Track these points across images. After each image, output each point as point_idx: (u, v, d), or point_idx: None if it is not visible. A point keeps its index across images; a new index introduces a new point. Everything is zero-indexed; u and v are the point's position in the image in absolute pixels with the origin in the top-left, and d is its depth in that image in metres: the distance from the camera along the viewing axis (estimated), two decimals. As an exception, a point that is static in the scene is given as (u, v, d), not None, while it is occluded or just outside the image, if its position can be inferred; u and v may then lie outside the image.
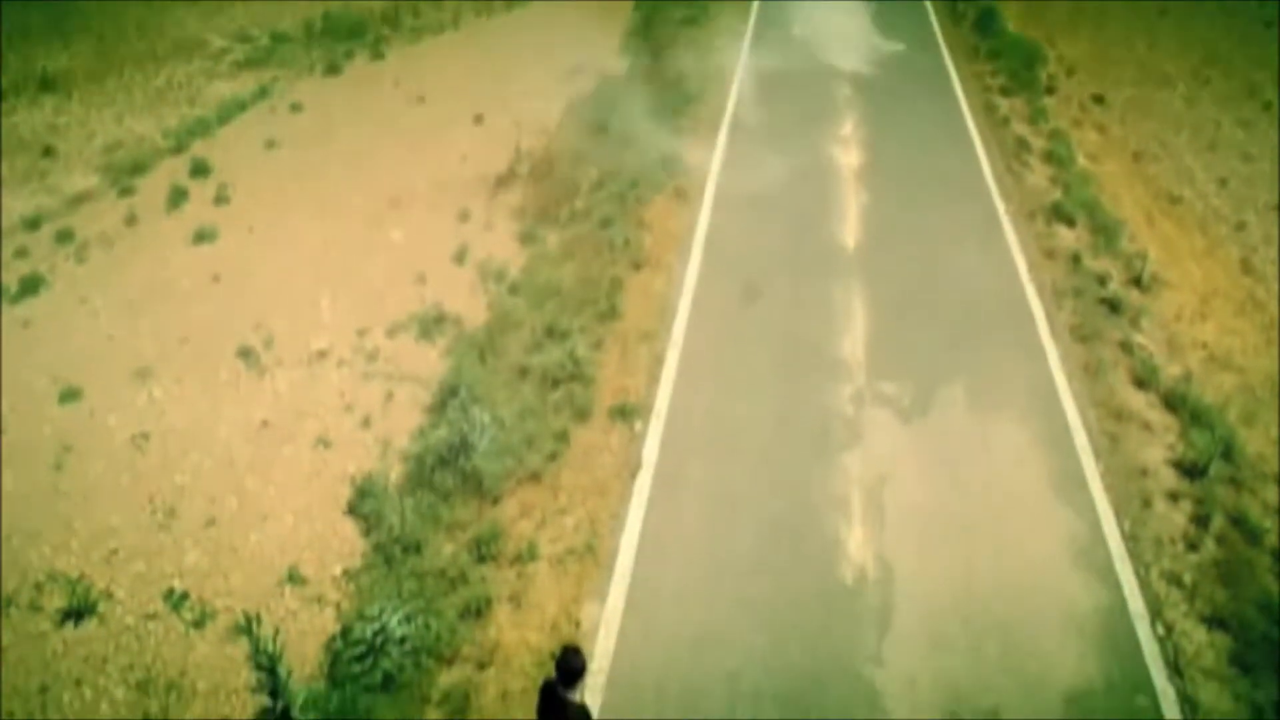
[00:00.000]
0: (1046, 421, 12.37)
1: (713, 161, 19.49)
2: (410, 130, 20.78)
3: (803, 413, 12.40)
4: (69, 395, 12.40)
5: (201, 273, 15.25)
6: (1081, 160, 20.43)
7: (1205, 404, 12.62)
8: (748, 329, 14.13)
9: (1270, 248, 17.18)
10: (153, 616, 9.57)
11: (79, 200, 17.72)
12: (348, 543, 10.43)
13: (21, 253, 15.59)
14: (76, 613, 9.52)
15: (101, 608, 9.61)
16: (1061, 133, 21.70)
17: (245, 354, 13.23)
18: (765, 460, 11.63)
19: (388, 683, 8.77)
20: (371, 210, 17.27)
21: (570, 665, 6.57)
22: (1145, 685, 9.09)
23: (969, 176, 19.32)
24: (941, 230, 16.93)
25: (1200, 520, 10.97)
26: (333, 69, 24.99)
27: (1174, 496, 11.34)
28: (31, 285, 14.67)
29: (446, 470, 10.98)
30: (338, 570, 10.11)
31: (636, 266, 15.48)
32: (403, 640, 8.95)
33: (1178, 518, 11.08)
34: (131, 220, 16.87)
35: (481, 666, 9.01)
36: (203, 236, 16.25)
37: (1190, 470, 11.63)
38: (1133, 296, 15.17)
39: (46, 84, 22.47)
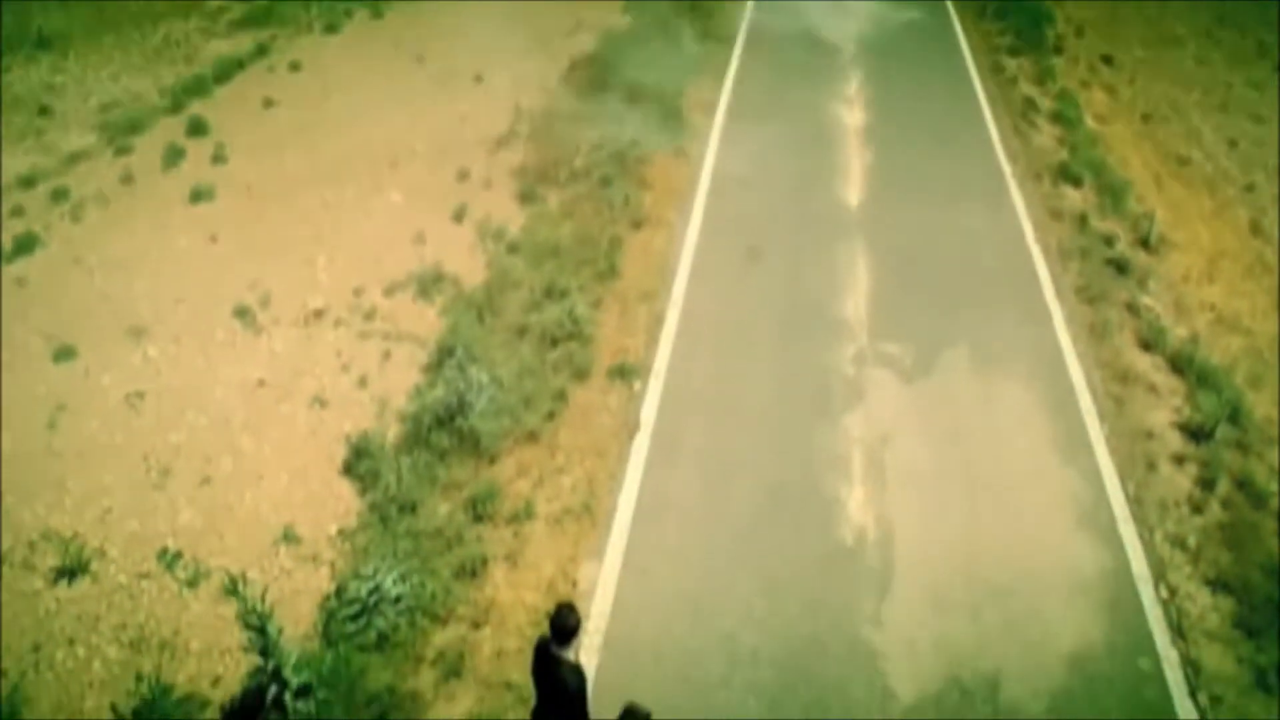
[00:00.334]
0: (1051, 383, 12.23)
1: (715, 120, 19.25)
2: (409, 89, 20.49)
3: (804, 372, 12.27)
4: (63, 354, 12.28)
5: (198, 232, 15.07)
6: (1089, 121, 20.17)
7: (1212, 366, 12.48)
8: (749, 288, 13.98)
9: (1281, 209, 16.97)
10: (146, 576, 9.49)
11: (75, 159, 17.49)
12: (343, 502, 10.33)
13: (17, 211, 15.40)
14: (70, 571, 9.44)
15: (95, 566, 9.53)
16: (1069, 93, 21.39)
17: (241, 313, 13.09)
18: (765, 420, 11.51)
19: (382, 642, 8.70)
20: (370, 170, 17.06)
21: (564, 623, 6.47)
22: (1148, 648, 9.00)
23: (975, 136, 19.07)
24: (947, 190, 16.72)
25: (1205, 483, 10.84)
26: (332, 28, 24.62)
27: (1179, 459, 11.22)
28: (26, 244, 14.50)
29: (443, 430, 10.86)
30: (333, 530, 10.02)
31: (637, 225, 15.31)
32: (397, 600, 8.88)
33: (1183, 481, 10.96)
34: (127, 179, 16.67)
35: (476, 626, 8.93)
36: (199, 196, 16.05)
37: (1196, 433, 11.49)
38: (1140, 258, 14.99)
39: (43, 42, 22.15)
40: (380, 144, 17.96)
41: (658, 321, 13.15)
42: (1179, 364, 12.61)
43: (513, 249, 14.58)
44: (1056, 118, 20.12)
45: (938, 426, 11.47)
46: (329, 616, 8.94)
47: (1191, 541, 10.16)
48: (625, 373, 12.12)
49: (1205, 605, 9.51)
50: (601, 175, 16.54)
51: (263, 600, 7.85)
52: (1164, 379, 12.48)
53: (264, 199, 16.15)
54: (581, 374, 12.00)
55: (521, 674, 7.88)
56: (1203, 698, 8.61)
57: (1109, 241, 15.34)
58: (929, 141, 18.55)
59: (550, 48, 22.68)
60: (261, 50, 22.83)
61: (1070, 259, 14.86)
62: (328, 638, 8.78)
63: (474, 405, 10.93)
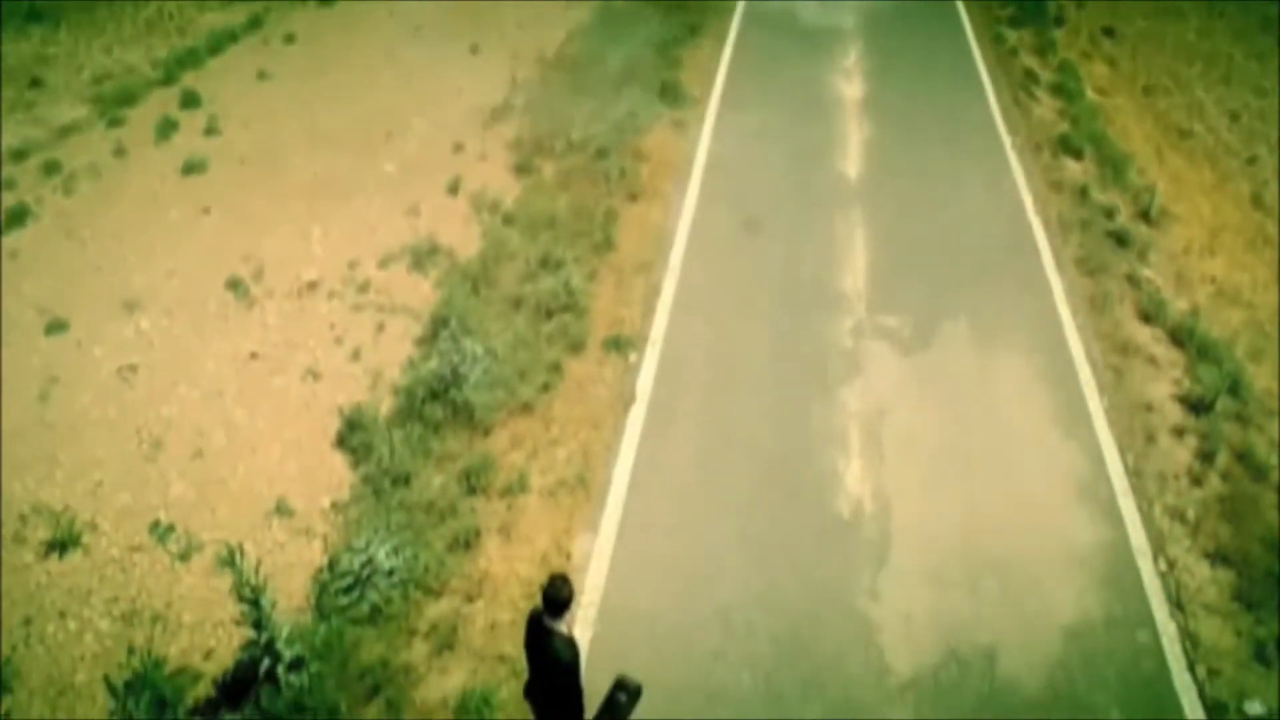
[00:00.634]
0: (1050, 355, 12.14)
1: (712, 93, 19.07)
2: (405, 61, 20.28)
3: (801, 345, 12.18)
4: (55, 327, 12.19)
5: (191, 204, 14.95)
6: (1090, 93, 19.96)
7: (1213, 339, 12.38)
8: (746, 260, 13.87)
9: (1282, 182, 16.84)
10: (138, 549, 9.44)
11: (67, 132, 17.32)
12: (336, 475, 10.27)
13: (8, 184, 15.24)
14: (61, 545, 9.40)
15: (86, 540, 9.49)
16: (1070, 65, 21.15)
17: (234, 286, 12.98)
18: (762, 392, 11.43)
19: (374, 615, 8.65)
20: (364, 142, 16.91)
21: (557, 594, 6.37)
22: (1146, 621, 8.95)
23: (975, 108, 18.87)
24: (946, 162, 16.57)
25: (1205, 456, 10.77)
26: (327, -1, 24.44)
27: (1179, 432, 11.14)
28: (18, 217, 14.38)
29: (437, 402, 10.79)
30: (326, 502, 9.96)
31: (633, 197, 15.18)
32: (390, 572, 8.82)
33: (1182, 453, 10.88)
34: (120, 152, 16.52)
35: (470, 599, 8.87)
36: (192, 168, 15.92)
37: (1196, 406, 11.41)
38: (1140, 230, 14.85)
39: (34, 14, 21.90)
40: (375, 116, 17.80)
41: (654, 293, 13.05)
42: (1179, 336, 12.50)
43: (508, 221, 14.46)
44: (1057, 90, 19.90)
45: (936, 399, 11.38)
46: (321, 589, 8.89)
47: (1191, 514, 10.09)
48: (621, 344, 12.03)
49: (1204, 578, 9.45)
50: (598, 147, 16.38)
51: (256, 572, 7.77)
52: (1164, 351, 12.38)
53: (258, 171, 16.00)
54: (576, 346, 11.91)
55: (515, 647, 7.82)
56: (1201, 671, 8.56)
57: (1109, 214, 15.20)
58: (929, 113, 18.36)
59: (548, 19, 22.45)
60: (255, 22, 22.59)
61: (1070, 231, 14.72)
62: (320, 611, 8.73)
63: (468, 377, 10.84)
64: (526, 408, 10.98)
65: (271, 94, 18.97)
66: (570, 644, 6.46)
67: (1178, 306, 13.10)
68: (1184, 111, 19.79)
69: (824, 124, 17.92)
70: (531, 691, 6.93)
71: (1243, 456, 10.76)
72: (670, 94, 18.51)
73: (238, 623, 8.12)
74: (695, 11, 23.11)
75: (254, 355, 11.87)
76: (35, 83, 18.93)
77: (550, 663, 6.46)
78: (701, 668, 8.36)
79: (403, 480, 9.99)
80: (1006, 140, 17.54)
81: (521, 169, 16.02)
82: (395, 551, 8.96)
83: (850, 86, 19.45)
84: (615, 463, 10.40)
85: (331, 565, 9.01)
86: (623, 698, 7.45)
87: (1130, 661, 8.57)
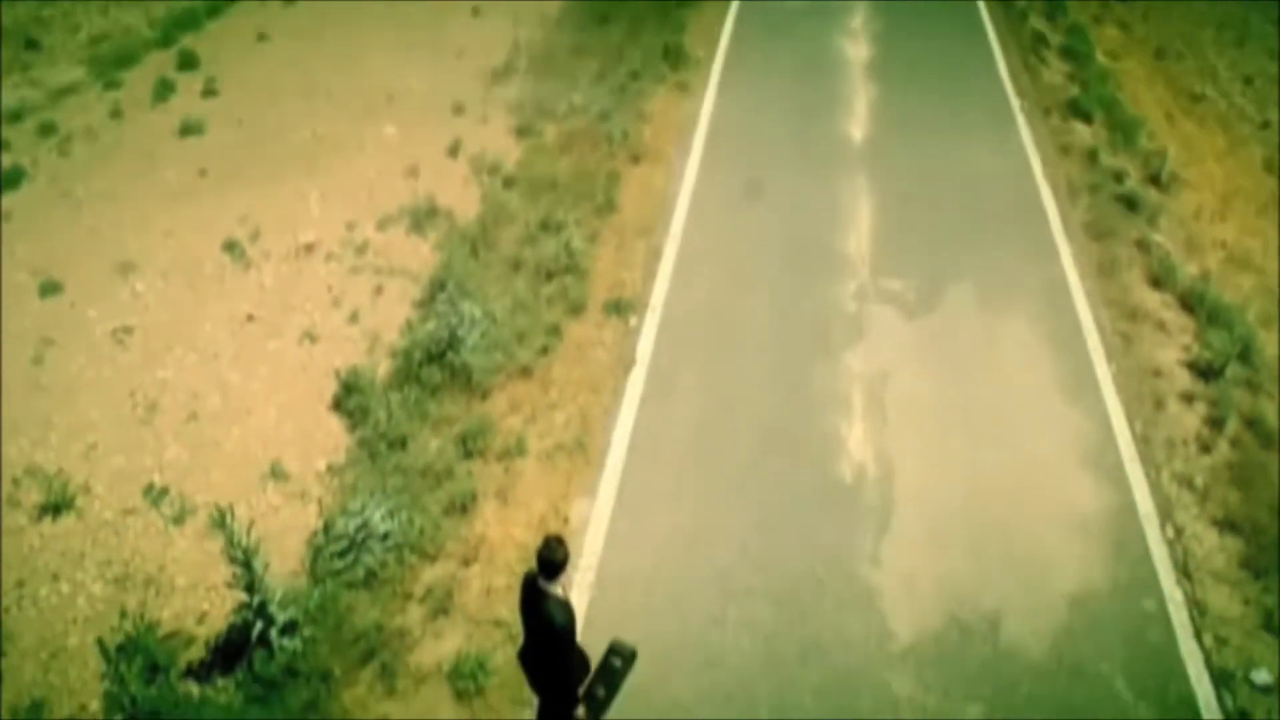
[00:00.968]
0: (1057, 320, 11.96)
1: (716, 54, 18.80)
2: (406, 22, 19.99)
3: (804, 308, 12.03)
4: (49, 289, 12.06)
5: (188, 166, 14.78)
6: (1100, 56, 19.66)
7: (1223, 304, 12.19)
8: (749, 223, 13.69)
9: (1296, 147, 16.59)
10: (131, 512, 9.34)
11: (63, 93, 17.13)
12: (332, 438, 10.16)
13: (3, 146, 15.07)
14: (54, 507, 9.30)
15: (80, 503, 9.39)
16: (1081, 28, 20.82)
17: (231, 247, 12.83)
18: (764, 356, 11.28)
19: (369, 579, 8.54)
20: (364, 104, 16.70)
21: (551, 556, 6.23)
22: (1153, 588, 8.82)
23: (983, 71, 18.61)
24: (954, 125, 16.33)
25: (1214, 422, 10.61)
26: (328, -41, 24.08)
27: (1188, 398, 10.98)
28: (13, 178, 14.22)
29: (435, 365, 10.64)
30: (321, 466, 9.85)
31: (635, 160, 14.99)
32: (385, 536, 8.71)
33: (1191, 420, 10.73)
34: (116, 113, 16.34)
35: (466, 563, 8.77)
36: (189, 130, 15.73)
37: (1206, 372, 11.24)
38: (1150, 195, 14.62)
39: (32, -25, 21.70)
40: (375, 77, 17.58)
41: (655, 256, 12.88)
42: (1189, 301, 12.31)
43: (508, 183, 14.29)
44: (1067, 53, 19.61)
45: (940, 364, 11.23)
46: (316, 553, 8.78)
47: (1199, 481, 9.94)
48: (621, 307, 11.88)
49: (1212, 545, 9.31)
50: (600, 109, 16.14)
51: (248, 534, 7.66)
52: (1174, 316, 12.20)
53: (255, 133, 15.81)
54: (576, 308, 11.76)
55: (511, 611, 7.71)
56: (1208, 639, 8.43)
57: (1119, 178, 14.97)
58: (936, 76, 18.09)
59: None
60: (255, -17, 22.30)
61: (1079, 195, 14.52)
62: (315, 575, 8.63)
63: (466, 340, 10.69)
64: (525, 371, 10.84)
65: (270, 55, 18.75)
66: (564, 607, 6.33)
67: (1188, 271, 12.89)
68: (1196, 75, 19.53)
69: (829, 86, 17.67)
70: (526, 655, 6.82)
71: (1253, 423, 10.60)
72: (674, 56, 18.24)
73: (231, 586, 8.00)
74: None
75: (250, 317, 11.74)
76: (31, 44, 18.72)
77: (544, 626, 6.34)
78: (699, 632, 8.25)
79: (399, 443, 9.86)
80: (1015, 104, 17.29)
81: (523, 131, 15.81)
82: (390, 515, 8.84)
83: (856, 48, 19.17)
84: (614, 427, 10.27)
85: (326, 529, 8.88)
86: (617, 663, 7.36)
87: (1136, 629, 8.44)
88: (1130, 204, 14.29)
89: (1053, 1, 22.31)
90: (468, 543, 8.93)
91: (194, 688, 7.87)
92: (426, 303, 11.77)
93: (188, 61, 18.04)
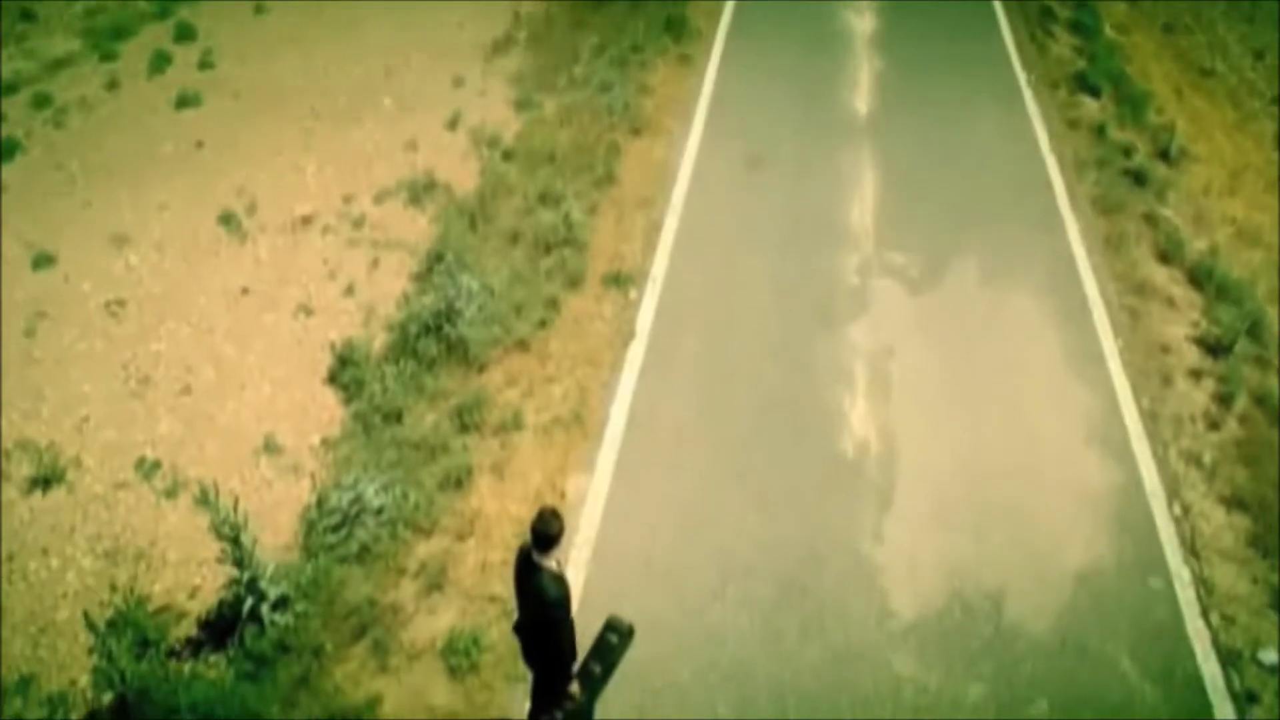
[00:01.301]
0: (1064, 295, 11.78)
1: (719, 26, 18.51)
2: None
3: (806, 282, 11.85)
4: (43, 261, 11.94)
5: (184, 138, 14.64)
6: (1109, 30, 19.38)
7: (1232, 280, 12.00)
8: (751, 195, 13.48)
9: (1306, 122, 16.36)
10: (123, 485, 9.26)
11: (58, 65, 16.99)
12: (327, 411, 10.04)
13: (-2, 117, 14.98)
14: (45, 481, 9.24)
15: (70, 476, 9.32)
16: (1088, 1, 20.53)
17: (227, 220, 12.69)
18: (765, 330, 11.12)
19: (363, 554, 8.42)
20: (363, 76, 16.51)
21: (545, 528, 6.09)
22: (1159, 566, 8.69)
23: (990, 44, 18.31)
24: (959, 98, 16.07)
25: (1223, 399, 10.46)
26: (328, -70, 23.81)
27: (1196, 374, 10.83)
28: (7, 150, 14.11)
29: (431, 338, 10.49)
30: (316, 439, 9.73)
31: (636, 132, 14.75)
32: (379, 510, 8.58)
33: (1199, 396, 10.57)
34: (112, 85, 16.18)
35: (461, 538, 8.63)
36: (186, 102, 15.58)
37: (1214, 348, 11.08)
38: (1159, 169, 14.40)
39: (27, -55, 21.48)
40: (374, 50, 17.38)
41: (655, 228, 12.68)
42: (1198, 277, 12.13)
43: (507, 156, 14.09)
44: (1075, 27, 19.31)
45: (945, 339, 11.06)
46: (309, 527, 8.68)
47: (1207, 458, 9.79)
48: (621, 280, 11.70)
49: (1220, 523, 9.17)
50: (601, 81, 15.91)
51: (235, 510, 7.54)
52: (1182, 292, 12.02)
53: (253, 105, 15.66)
54: (575, 281, 11.59)
55: (505, 587, 7.55)
56: (1215, 618, 8.31)
57: (1127, 152, 14.74)
58: (942, 49, 17.80)
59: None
60: (254, -46, 22.05)
61: (1086, 169, 14.29)
62: (307, 549, 8.53)
63: (463, 313, 10.52)
64: (522, 344, 10.68)
65: (268, 27, 18.57)
66: (558, 580, 6.20)
67: (1196, 247, 12.70)
68: (1205, 50, 19.29)
69: (834, 59, 17.40)
70: (521, 628, 6.69)
71: (1261, 400, 10.44)
72: (676, 27, 17.98)
73: (222, 561, 7.87)
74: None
75: (245, 290, 11.60)
76: (26, 15, 18.58)
77: (537, 600, 6.20)
78: (698, 609, 8.13)
79: (394, 417, 9.74)
80: (1022, 77, 17.03)
81: (522, 104, 15.59)
82: (385, 489, 8.71)
83: (860, 20, 18.88)
84: (613, 400, 10.12)
85: (320, 503, 8.76)
86: (614, 639, 7.21)
87: (1142, 608, 8.31)
88: (1138, 179, 14.06)
89: (1061, -26, 22.06)
90: (463, 517, 8.80)
91: (185, 663, 7.77)
92: (424, 276, 11.61)
93: (185, 33, 17.86)
